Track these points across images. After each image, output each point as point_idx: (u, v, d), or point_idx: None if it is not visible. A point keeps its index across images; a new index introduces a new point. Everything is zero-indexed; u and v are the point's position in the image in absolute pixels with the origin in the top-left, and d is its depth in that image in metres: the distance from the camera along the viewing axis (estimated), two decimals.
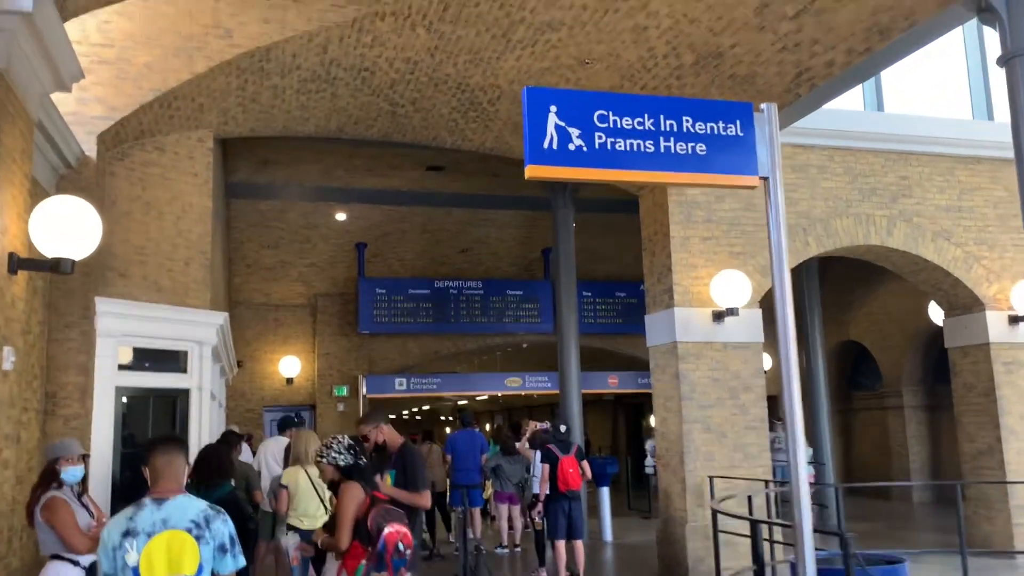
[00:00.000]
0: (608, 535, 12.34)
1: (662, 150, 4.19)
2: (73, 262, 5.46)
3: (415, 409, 36.05)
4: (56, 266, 5.36)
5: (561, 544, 8.55)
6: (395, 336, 17.50)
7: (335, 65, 8.71)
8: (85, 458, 5.10)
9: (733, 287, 8.94)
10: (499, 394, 22.25)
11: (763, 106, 4.46)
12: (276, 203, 15.02)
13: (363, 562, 4.25)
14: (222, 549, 3.20)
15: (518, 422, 16.35)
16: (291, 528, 6.50)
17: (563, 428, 8.79)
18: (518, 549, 11.45)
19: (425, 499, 5.19)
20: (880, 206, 9.96)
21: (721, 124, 4.33)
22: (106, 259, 8.27)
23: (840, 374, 18.62)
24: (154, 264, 8.79)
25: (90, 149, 7.84)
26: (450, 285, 17.15)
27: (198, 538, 3.15)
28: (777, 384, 3.91)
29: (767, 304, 9.92)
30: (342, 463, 4.48)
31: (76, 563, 4.47)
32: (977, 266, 10.15)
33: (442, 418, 41.42)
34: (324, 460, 4.51)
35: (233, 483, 6.47)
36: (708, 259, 9.27)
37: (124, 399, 8.25)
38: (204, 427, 8.99)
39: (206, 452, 6.71)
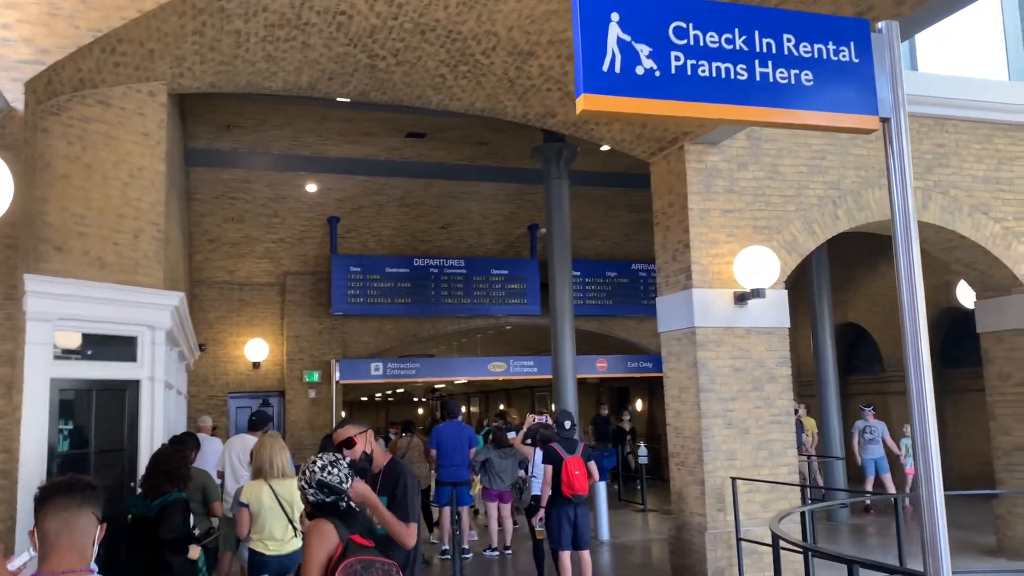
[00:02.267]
0: (605, 533, 11.39)
1: (757, 78, 3.14)
2: None
3: (388, 392, 34.92)
4: None
5: (566, 556, 7.55)
6: (370, 318, 16.34)
7: (307, 7, 7.52)
8: None
9: (759, 265, 7.94)
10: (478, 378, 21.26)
11: (881, 25, 3.41)
12: (241, 172, 13.77)
13: None
14: None
15: (503, 410, 15.34)
16: (254, 553, 5.40)
17: (568, 424, 7.75)
18: (509, 552, 10.47)
19: (412, 535, 4.05)
20: (915, 176, 9.00)
21: (832, 46, 3.28)
22: (39, 230, 7.06)
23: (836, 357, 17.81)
24: (97, 236, 7.57)
25: (16, 99, 6.59)
26: (430, 263, 16.01)
27: None
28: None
29: (794, 285, 9.01)
30: (311, 497, 3.39)
31: None
32: (1017, 243, 9.25)
33: (415, 399, 40.36)
34: (300, 485, 3.43)
35: (186, 494, 5.38)
36: (730, 234, 8.26)
37: (61, 393, 7.07)
38: (158, 422, 7.83)
39: (156, 456, 5.67)
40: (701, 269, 8.12)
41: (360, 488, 3.87)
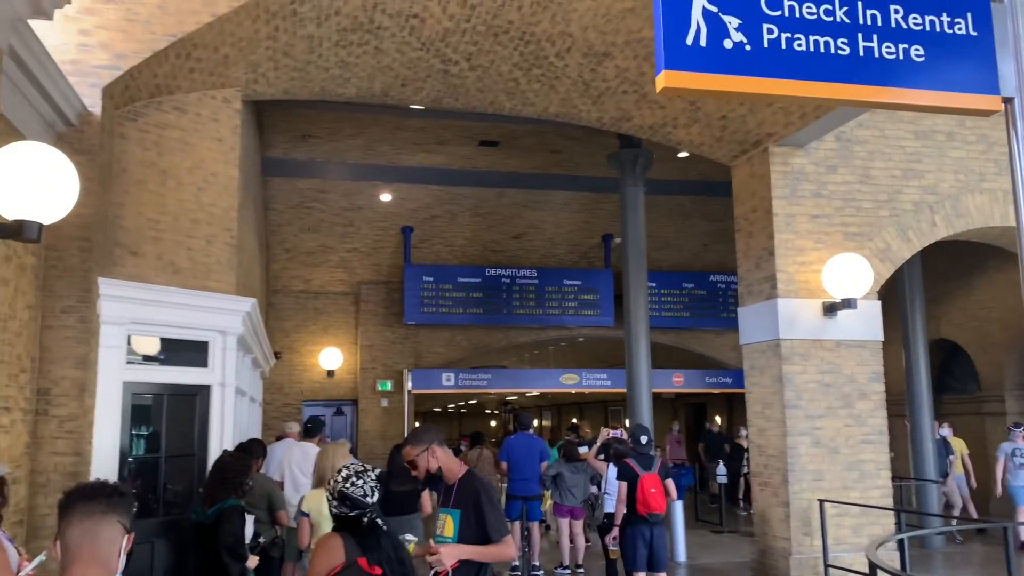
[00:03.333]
0: (681, 554, 10.92)
1: (861, 53, 2.84)
2: (40, 227, 4.25)
3: (460, 403, 34.90)
4: (19, 231, 4.16)
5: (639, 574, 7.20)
6: (442, 328, 16.25)
7: (379, 11, 7.43)
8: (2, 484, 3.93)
9: (850, 274, 7.47)
10: (549, 391, 20.96)
11: None
12: (316, 182, 13.85)
13: None
14: None
15: (576, 423, 15.03)
16: None
17: (644, 439, 7.40)
18: (581, 570, 10.12)
19: (511, 548, 3.85)
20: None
21: (945, 18, 2.94)
22: (114, 234, 7.11)
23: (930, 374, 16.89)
24: (171, 241, 7.60)
25: (94, 104, 6.65)
26: (502, 273, 15.83)
27: None
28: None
29: (883, 297, 8.46)
30: (333, 509, 3.17)
31: None
32: None
33: (487, 411, 40.26)
34: (327, 495, 3.24)
35: (242, 502, 5.26)
36: (818, 241, 7.81)
37: (133, 397, 7.09)
38: (228, 428, 7.79)
39: (218, 463, 5.58)
40: (787, 278, 7.69)
41: (448, 552, 3.62)
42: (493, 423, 39.76)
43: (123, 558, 2.06)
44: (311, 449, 8.02)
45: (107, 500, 2.07)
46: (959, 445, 12.94)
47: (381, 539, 3.06)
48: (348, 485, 3.11)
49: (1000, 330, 15.10)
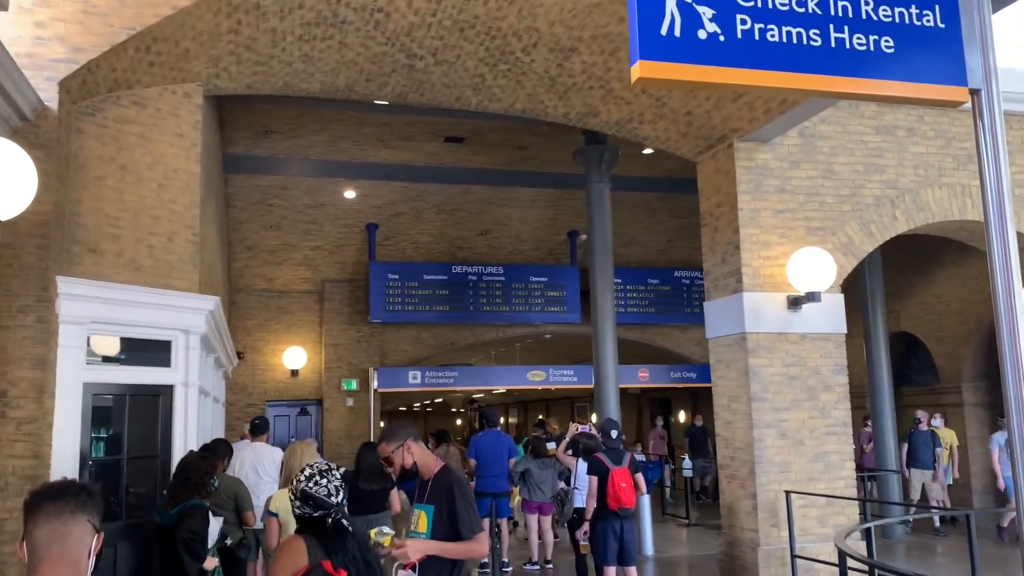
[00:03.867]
0: (649, 548, 10.98)
1: (832, 44, 2.86)
2: None
3: (426, 402, 34.77)
4: None
5: (612, 572, 7.21)
6: (408, 326, 16.16)
7: (343, 4, 7.34)
8: None
9: (814, 268, 7.56)
10: (516, 387, 20.97)
11: None
12: (279, 179, 13.68)
13: None
14: None
15: (543, 420, 15.03)
16: None
17: (613, 434, 7.41)
18: (550, 566, 10.13)
19: (483, 545, 3.82)
20: (977, 175, 8.53)
21: (914, 10, 2.98)
22: (72, 231, 6.95)
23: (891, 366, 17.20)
24: (131, 239, 7.44)
25: (50, 99, 6.49)
26: (468, 270, 15.79)
27: None
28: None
29: (848, 290, 8.58)
30: (296, 510, 3.08)
31: None
32: None
33: (453, 410, 40.17)
34: (288, 496, 3.14)
35: (206, 501, 5.17)
36: (782, 235, 7.89)
37: (94, 398, 6.94)
38: (192, 429, 7.65)
39: (182, 464, 5.49)
40: (752, 272, 7.76)
41: (415, 547, 3.57)
42: (459, 421, 39.68)
43: (93, 558, 2.00)
44: (261, 448, 8.00)
45: (75, 499, 2.00)
46: (950, 436, 12.88)
47: (347, 540, 2.97)
48: (311, 485, 3.02)
49: (958, 323, 15.41)
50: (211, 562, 5.03)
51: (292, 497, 3.03)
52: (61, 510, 1.95)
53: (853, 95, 2.99)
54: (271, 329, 15.98)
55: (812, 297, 7.57)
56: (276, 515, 5.15)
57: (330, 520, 2.99)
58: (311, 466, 3.11)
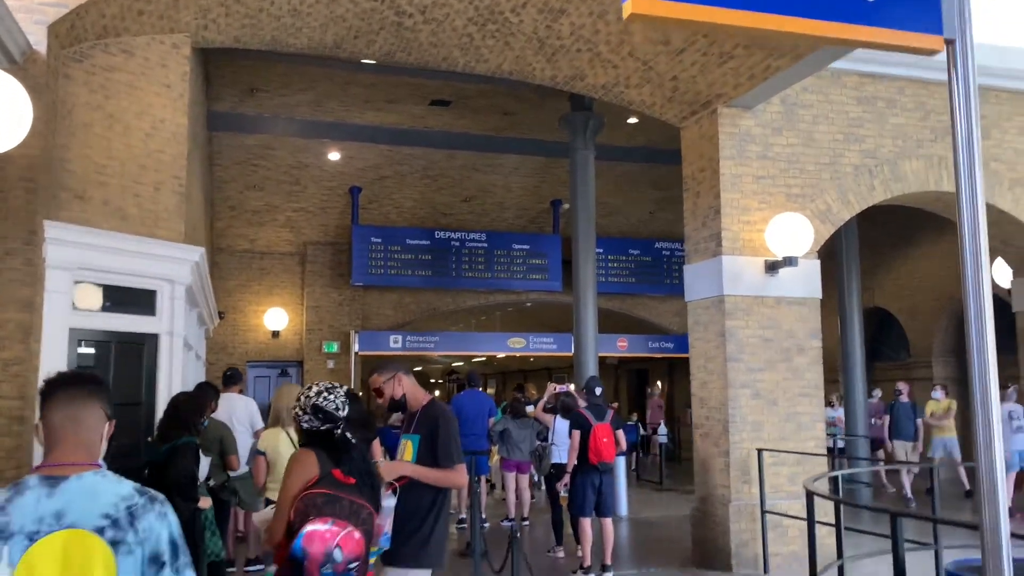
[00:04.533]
0: (624, 509, 11.24)
1: None
2: None
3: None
4: None
5: (587, 522, 7.41)
6: (390, 290, 16.24)
7: None
8: None
9: (792, 233, 7.73)
10: (497, 356, 21.12)
11: None
12: (263, 138, 13.65)
13: (272, 568, 3.00)
14: (155, 561, 1.97)
15: (521, 384, 15.22)
16: (270, 502, 5.30)
17: (598, 391, 7.58)
18: (526, 523, 10.35)
19: (460, 476, 3.96)
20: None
21: None
22: (59, 176, 6.96)
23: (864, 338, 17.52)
24: (118, 187, 7.46)
25: (39, 42, 6.47)
26: (451, 236, 15.87)
27: (115, 543, 1.91)
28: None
29: (825, 263, 8.75)
30: (304, 423, 3.22)
31: None
32: None
33: (431, 381, 40.33)
34: (295, 412, 3.29)
35: (197, 440, 5.28)
36: (762, 201, 8.04)
37: (80, 344, 6.99)
38: (176, 379, 7.74)
39: (172, 401, 5.58)
40: (732, 236, 7.91)
41: (389, 467, 3.72)
42: (438, 392, 39.83)
43: (105, 443, 2.10)
44: (234, 399, 8.07)
45: (88, 387, 2.11)
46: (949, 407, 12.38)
47: (352, 451, 3.13)
48: (320, 399, 3.17)
49: (930, 299, 15.74)
50: (205, 502, 5.14)
51: (301, 412, 3.16)
52: (75, 396, 2.06)
53: (835, 40, 3.10)
54: (253, 290, 16.01)
55: (789, 262, 7.74)
56: (264, 454, 5.27)
57: (337, 432, 3.13)
58: (318, 384, 3.26)
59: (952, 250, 10.18)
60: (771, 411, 7.86)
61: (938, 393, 12.32)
